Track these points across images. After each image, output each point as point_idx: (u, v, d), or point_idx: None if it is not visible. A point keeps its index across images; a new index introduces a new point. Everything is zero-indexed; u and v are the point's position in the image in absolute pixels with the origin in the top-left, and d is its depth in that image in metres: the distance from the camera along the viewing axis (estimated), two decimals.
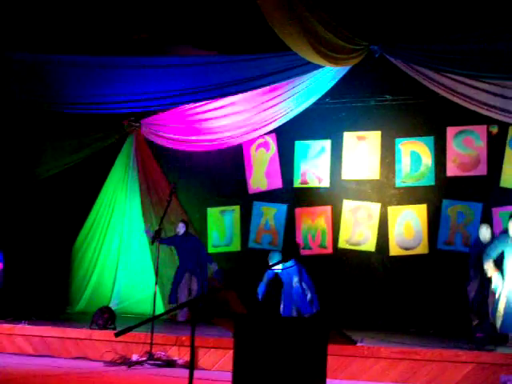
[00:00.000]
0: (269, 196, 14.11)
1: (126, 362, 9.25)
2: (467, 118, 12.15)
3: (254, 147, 14.17)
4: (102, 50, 12.15)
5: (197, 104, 13.04)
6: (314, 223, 13.65)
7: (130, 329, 4.60)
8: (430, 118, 12.94)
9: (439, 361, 8.44)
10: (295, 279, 11.46)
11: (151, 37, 12.26)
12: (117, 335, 4.70)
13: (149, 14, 11.97)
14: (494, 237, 10.98)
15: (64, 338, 10.23)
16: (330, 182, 13.65)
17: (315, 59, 10.79)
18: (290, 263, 10.80)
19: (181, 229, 13.08)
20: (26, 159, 14.07)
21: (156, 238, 11.45)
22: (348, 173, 13.52)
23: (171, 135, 13.86)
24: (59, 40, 12.20)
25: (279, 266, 11.32)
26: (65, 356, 10.01)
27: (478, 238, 11.21)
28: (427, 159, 13.03)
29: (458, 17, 10.62)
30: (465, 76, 10.81)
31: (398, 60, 11.21)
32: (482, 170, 12.67)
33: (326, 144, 13.69)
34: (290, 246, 11.50)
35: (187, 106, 13.21)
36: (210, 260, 13.06)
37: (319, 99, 12.52)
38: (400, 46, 10.96)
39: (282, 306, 11.71)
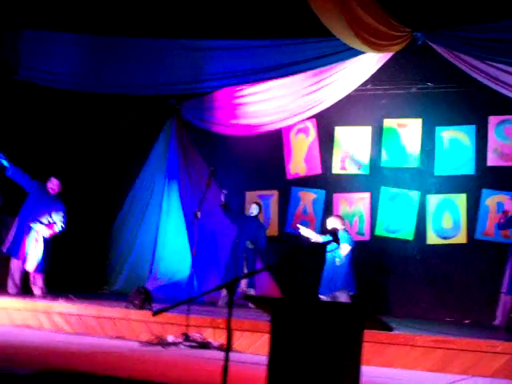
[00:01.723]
0: (307, 181, 14.09)
1: (162, 343, 9.32)
2: (510, 107, 12.01)
3: (293, 132, 14.14)
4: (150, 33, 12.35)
5: (238, 88, 13.05)
6: (351, 210, 13.62)
7: (167, 308, 4.64)
8: (472, 107, 12.81)
9: (475, 351, 8.39)
10: (342, 256, 11.64)
11: None
12: (155, 314, 4.74)
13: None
14: None
15: (101, 317, 10.33)
16: (369, 169, 13.60)
17: (357, 45, 10.76)
18: (335, 245, 11.00)
19: (253, 210, 13.18)
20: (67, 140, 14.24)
21: (225, 205, 12.79)
22: (387, 160, 13.46)
23: (211, 118, 13.86)
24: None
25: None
26: (101, 335, 10.11)
27: None
28: (468, 148, 12.93)
29: (503, 4, 10.53)
30: (508, 64, 10.71)
31: (440, 47, 11.12)
32: None
33: (366, 130, 13.62)
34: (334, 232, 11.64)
35: (228, 90, 13.22)
36: (263, 251, 13.12)
37: (360, 85, 12.48)
38: (444, 33, 10.89)
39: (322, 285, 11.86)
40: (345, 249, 11.63)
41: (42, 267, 12.02)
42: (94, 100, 13.53)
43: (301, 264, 12.52)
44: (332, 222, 11.87)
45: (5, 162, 11.87)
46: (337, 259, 11.74)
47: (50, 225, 12.07)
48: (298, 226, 12.02)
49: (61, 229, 12.16)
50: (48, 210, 12.11)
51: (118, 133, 14.32)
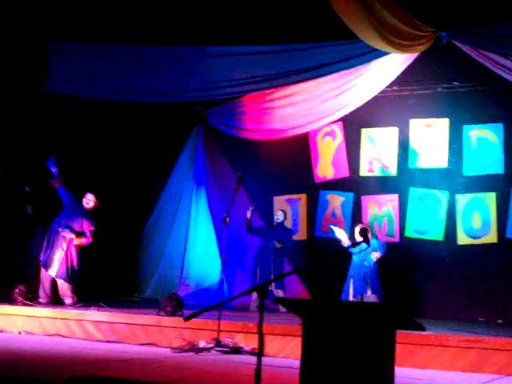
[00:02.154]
0: (335, 185, 14.07)
1: (194, 349, 9.32)
2: None
3: (320, 135, 14.12)
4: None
5: (264, 93, 13.07)
6: (380, 212, 13.57)
7: (198, 313, 4.64)
8: (499, 105, 12.73)
9: (508, 350, 8.32)
10: (373, 259, 11.95)
11: None
12: (186, 319, 4.75)
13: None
14: None
15: (132, 325, 10.36)
16: (397, 170, 13.55)
17: (381, 46, 10.74)
18: (365, 246, 11.40)
19: (279, 216, 13.18)
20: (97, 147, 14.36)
21: (249, 222, 12.68)
22: (415, 161, 13.40)
23: (237, 124, 13.90)
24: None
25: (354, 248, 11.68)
26: (133, 342, 10.14)
27: None
28: (496, 146, 12.85)
29: None
30: None
31: (465, 46, 11.07)
32: None
33: (393, 132, 13.57)
34: (364, 232, 11.84)
35: (254, 95, 13.24)
36: (290, 253, 13.09)
37: (386, 87, 12.45)
38: (468, 31, 10.83)
39: (351, 285, 12.00)
40: (376, 255, 11.80)
41: (70, 275, 12.08)
42: (120, 108, 13.60)
43: (329, 267, 12.59)
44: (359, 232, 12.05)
45: (53, 169, 12.08)
46: (365, 263, 11.86)
47: (79, 234, 12.14)
48: (332, 227, 12.09)
49: (88, 240, 12.23)
50: (79, 221, 12.21)
51: (146, 141, 14.41)
